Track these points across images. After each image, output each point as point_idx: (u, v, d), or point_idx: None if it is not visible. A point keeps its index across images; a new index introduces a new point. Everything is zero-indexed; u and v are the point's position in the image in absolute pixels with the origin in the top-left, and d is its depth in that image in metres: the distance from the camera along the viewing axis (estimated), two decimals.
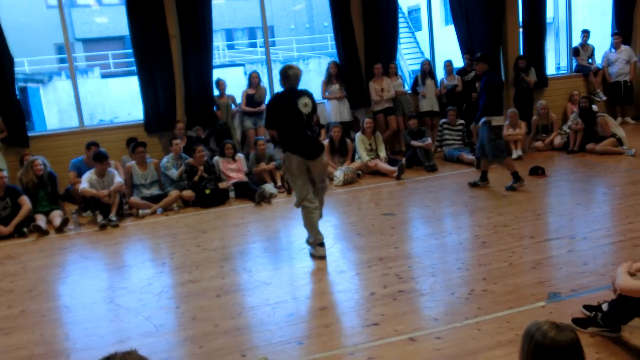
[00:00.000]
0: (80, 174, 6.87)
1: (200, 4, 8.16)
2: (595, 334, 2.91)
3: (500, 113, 6.29)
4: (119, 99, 19.20)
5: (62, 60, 22.15)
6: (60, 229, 6.20)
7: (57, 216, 6.40)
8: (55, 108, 18.76)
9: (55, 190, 6.83)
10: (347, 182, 7.44)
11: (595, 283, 3.63)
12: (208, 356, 3.14)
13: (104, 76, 20.30)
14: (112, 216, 6.29)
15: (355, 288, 3.99)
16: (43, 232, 6.12)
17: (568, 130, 8.28)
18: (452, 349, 2.99)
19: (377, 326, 3.33)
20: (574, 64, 10.36)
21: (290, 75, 4.68)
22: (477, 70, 6.46)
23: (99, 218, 6.24)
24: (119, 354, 1.74)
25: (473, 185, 6.60)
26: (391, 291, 3.82)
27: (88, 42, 24.24)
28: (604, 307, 2.89)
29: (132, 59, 8.49)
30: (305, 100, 4.69)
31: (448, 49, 10.76)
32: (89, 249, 5.57)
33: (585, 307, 3.09)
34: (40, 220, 6.29)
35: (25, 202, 6.35)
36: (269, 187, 7.09)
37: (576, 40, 10.39)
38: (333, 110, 8.81)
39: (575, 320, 2.99)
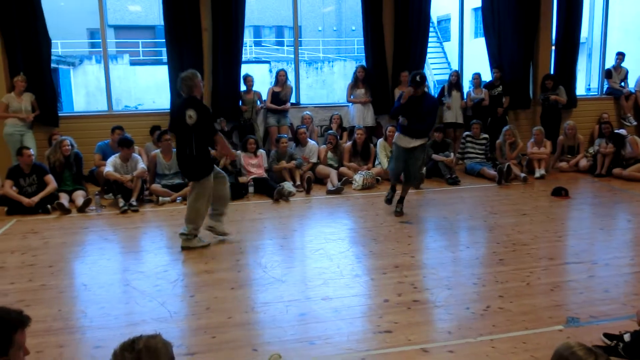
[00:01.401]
0: (105, 157, 6.98)
1: (235, 0, 8.23)
2: None
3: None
4: (145, 87, 19.46)
5: (93, 45, 22.52)
6: (82, 209, 6.32)
7: (79, 196, 6.52)
8: (83, 91, 19.09)
9: (80, 171, 6.96)
10: (365, 187, 7.43)
11: (616, 312, 3.56)
12: (220, 347, 3.16)
13: (132, 63, 20.59)
14: (133, 201, 6.38)
15: (369, 293, 3.98)
16: (65, 211, 6.23)
17: (594, 153, 8.15)
18: None
19: (389, 334, 3.31)
20: (605, 86, 10.21)
21: (181, 86, 4.76)
22: (419, 92, 5.79)
23: (121, 202, 6.33)
24: (144, 337, 1.77)
25: (399, 213, 6.07)
26: (405, 300, 3.80)
27: (119, 29, 24.62)
28: (626, 337, 2.83)
29: (161, 49, 8.61)
30: (190, 112, 4.68)
31: (475, 61, 10.67)
32: (109, 231, 5.65)
33: (606, 335, 3.04)
34: (64, 199, 6.41)
35: (52, 180, 6.47)
36: (288, 186, 7.11)
37: (609, 62, 10.24)
38: (357, 115, 8.81)
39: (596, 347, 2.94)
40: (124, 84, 19.34)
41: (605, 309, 3.62)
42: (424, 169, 6.28)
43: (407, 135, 5.87)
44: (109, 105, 8.55)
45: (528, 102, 9.53)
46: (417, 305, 3.71)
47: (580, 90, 11.27)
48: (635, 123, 9.65)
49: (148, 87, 19.30)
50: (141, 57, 22.14)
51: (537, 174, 7.85)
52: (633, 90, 9.82)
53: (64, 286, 4.13)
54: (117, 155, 6.68)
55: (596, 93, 10.65)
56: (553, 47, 9.58)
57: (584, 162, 8.26)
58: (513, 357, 3.02)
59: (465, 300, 3.82)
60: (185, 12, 8.07)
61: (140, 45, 22.41)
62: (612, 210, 6.35)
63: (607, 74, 10.11)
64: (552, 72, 9.46)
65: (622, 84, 10.01)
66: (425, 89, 5.94)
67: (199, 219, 4.92)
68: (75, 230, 5.66)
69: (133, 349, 1.74)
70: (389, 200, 6.21)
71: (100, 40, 8.70)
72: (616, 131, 8.19)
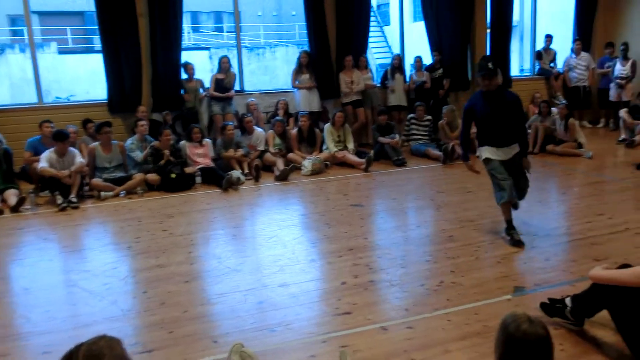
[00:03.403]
0: (37, 154, 6.58)
1: None
2: (560, 326, 3.03)
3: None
4: (76, 77, 18.48)
5: (15, 33, 21.10)
6: (15, 209, 5.93)
7: (12, 195, 6.11)
8: (6, 82, 17.86)
9: (11, 168, 6.52)
10: (315, 172, 7.43)
11: (557, 278, 3.77)
12: (178, 341, 3.08)
13: (61, 52, 19.46)
14: (72, 197, 6.06)
15: (326, 277, 4.00)
16: None
17: (529, 131, 8.54)
18: (423, 339, 3.05)
19: (349, 315, 3.35)
20: (537, 67, 10.71)
21: None
22: (492, 85, 4.33)
23: (59, 199, 6.00)
24: (85, 345, 1.64)
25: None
26: (362, 281, 3.85)
27: (44, 15, 23.16)
28: (567, 301, 3.01)
29: (92, 36, 8.21)
30: None
31: (415, 45, 10.90)
32: (48, 230, 5.35)
33: (550, 300, 3.21)
34: None
35: None
36: (236, 174, 7.00)
37: (540, 44, 10.73)
38: (302, 100, 8.78)
39: (543, 305, 3.11)
40: (52, 74, 18.24)
41: (547, 276, 3.82)
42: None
43: (500, 145, 4.45)
44: (38, 97, 8.05)
45: (467, 84, 9.84)
46: (373, 286, 3.77)
47: (514, 71, 11.76)
48: (564, 102, 10.18)
49: (79, 77, 18.33)
50: (70, 46, 20.97)
51: (478, 153, 8.10)
52: (561, 71, 10.37)
53: (2, 291, 3.87)
54: (52, 150, 6.31)
55: (529, 73, 11.16)
56: (488, 30, 9.92)
57: None
58: (467, 328, 3.14)
59: (419, 277, 3.91)
60: None
61: (69, 33, 21.20)
62: (547, 184, 6.70)
63: (538, 56, 10.61)
64: (487, 54, 9.80)
65: (552, 64, 10.54)
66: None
67: None
68: (10, 232, 5.31)
69: None
70: (518, 242, 4.43)
71: (23, 28, 8.15)
72: (553, 109, 8.56)
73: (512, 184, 4.46)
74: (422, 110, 8.56)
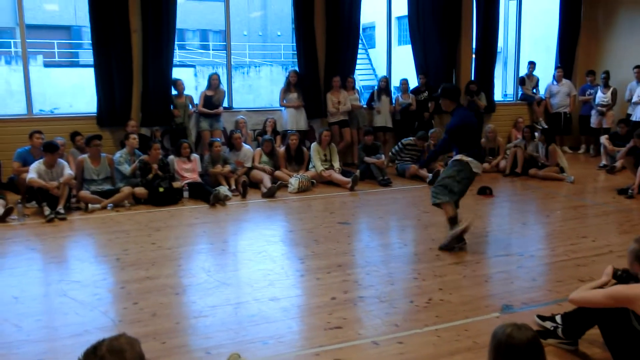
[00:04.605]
0: (25, 165, 6.53)
1: (166, 1, 8.03)
2: (554, 346, 3.10)
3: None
4: (61, 90, 18.37)
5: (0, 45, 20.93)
6: (2, 219, 5.87)
7: None
8: None
9: None
10: (301, 190, 7.49)
11: (544, 298, 3.86)
12: (171, 352, 3.08)
13: (47, 65, 19.35)
14: (60, 208, 6.01)
15: (316, 292, 4.03)
16: None
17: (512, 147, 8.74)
18: (414, 354, 3.10)
19: (340, 329, 3.39)
20: (520, 93, 11.03)
21: None
22: (444, 107, 5.12)
23: (46, 210, 5.95)
24: (107, 340, 1.72)
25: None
26: (352, 297, 3.90)
27: (31, 29, 23.04)
28: (558, 318, 3.09)
29: (78, 50, 8.25)
30: None
31: (399, 68, 11.15)
32: (36, 241, 5.30)
33: (539, 316, 3.29)
34: None
35: None
36: (223, 190, 7.02)
37: (523, 70, 11.07)
38: (290, 119, 8.88)
39: (538, 332, 3.18)
40: (37, 87, 18.06)
41: (534, 295, 3.91)
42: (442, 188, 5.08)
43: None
44: (28, 108, 8.02)
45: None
46: (363, 301, 3.82)
47: (497, 96, 12.08)
48: (546, 127, 10.49)
49: (64, 90, 18.23)
50: (56, 59, 20.87)
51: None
52: (543, 97, 10.69)
53: None
54: (40, 160, 6.26)
55: (512, 99, 11.47)
56: (473, 56, 10.21)
57: (503, 163, 8.84)
58: (457, 344, 3.20)
59: (408, 294, 3.98)
60: (113, 13, 7.77)
61: (56, 47, 21.12)
62: (531, 207, 6.87)
63: (521, 82, 10.93)
64: (472, 78, 10.08)
65: (534, 90, 10.86)
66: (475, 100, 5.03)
67: None
68: None
69: (96, 355, 1.68)
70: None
71: (9, 40, 8.16)
72: (536, 133, 8.76)
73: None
74: (423, 142, 8.54)
